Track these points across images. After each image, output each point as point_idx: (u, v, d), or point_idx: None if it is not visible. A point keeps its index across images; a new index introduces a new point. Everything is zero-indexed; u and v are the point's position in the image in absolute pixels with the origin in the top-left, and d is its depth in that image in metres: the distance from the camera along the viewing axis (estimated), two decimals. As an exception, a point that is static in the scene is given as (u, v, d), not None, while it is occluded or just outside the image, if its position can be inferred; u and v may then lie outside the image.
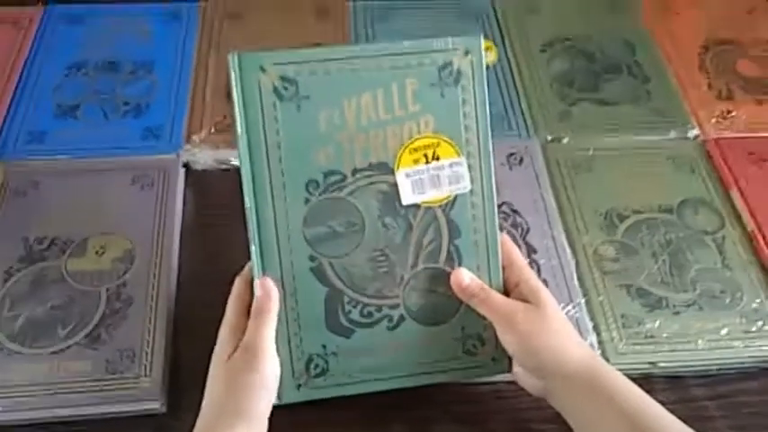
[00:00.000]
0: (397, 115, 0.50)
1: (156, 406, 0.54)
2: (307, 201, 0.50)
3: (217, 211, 0.68)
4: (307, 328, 0.51)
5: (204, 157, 0.71)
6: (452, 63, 0.50)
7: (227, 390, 0.47)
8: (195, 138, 0.72)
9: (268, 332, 0.49)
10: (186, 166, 0.71)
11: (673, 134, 0.75)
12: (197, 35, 0.82)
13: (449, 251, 0.52)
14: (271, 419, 0.48)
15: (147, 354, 0.56)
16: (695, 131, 0.76)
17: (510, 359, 0.53)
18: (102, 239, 0.63)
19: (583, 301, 0.62)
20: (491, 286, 0.52)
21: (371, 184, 0.51)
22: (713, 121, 0.77)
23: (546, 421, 0.54)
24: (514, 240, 0.63)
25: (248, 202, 0.49)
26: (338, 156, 0.50)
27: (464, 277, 0.52)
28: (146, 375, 0.55)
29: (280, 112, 0.49)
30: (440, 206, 0.51)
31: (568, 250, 0.65)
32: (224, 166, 0.72)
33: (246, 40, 0.82)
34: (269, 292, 0.50)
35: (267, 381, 0.48)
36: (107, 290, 0.60)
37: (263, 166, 0.49)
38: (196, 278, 0.63)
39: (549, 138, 0.75)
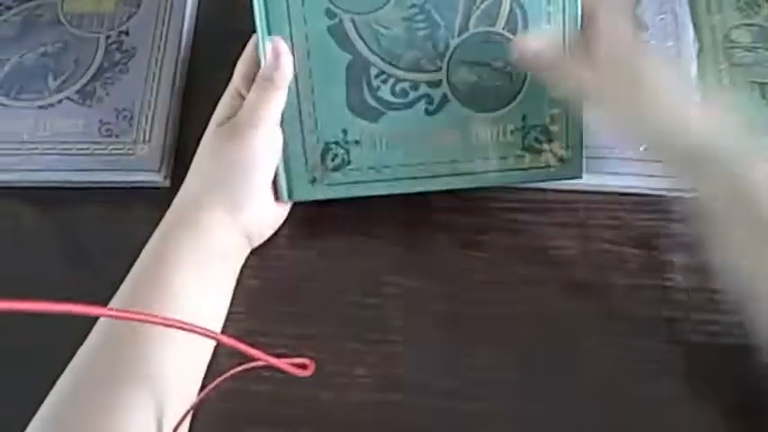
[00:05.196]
0: None
1: (156, 178, 0.46)
2: None
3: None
4: (323, 108, 0.42)
5: None
6: None
7: (212, 162, 0.40)
8: None
9: (270, 104, 0.39)
10: None
11: None
12: None
13: (511, 9, 0.41)
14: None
15: (147, 117, 0.47)
16: None
17: (582, 161, 0.42)
18: (102, -26, 0.52)
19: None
20: None
21: None
22: None
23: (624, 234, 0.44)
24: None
25: None
26: None
27: (531, 42, 0.41)
28: (144, 141, 0.46)
29: None
30: None
31: (691, 30, 0.49)
32: None
33: None
34: (278, 56, 0.39)
35: (257, 159, 0.39)
36: (107, 38, 0.50)
37: None
38: (213, 33, 0.52)
39: None
